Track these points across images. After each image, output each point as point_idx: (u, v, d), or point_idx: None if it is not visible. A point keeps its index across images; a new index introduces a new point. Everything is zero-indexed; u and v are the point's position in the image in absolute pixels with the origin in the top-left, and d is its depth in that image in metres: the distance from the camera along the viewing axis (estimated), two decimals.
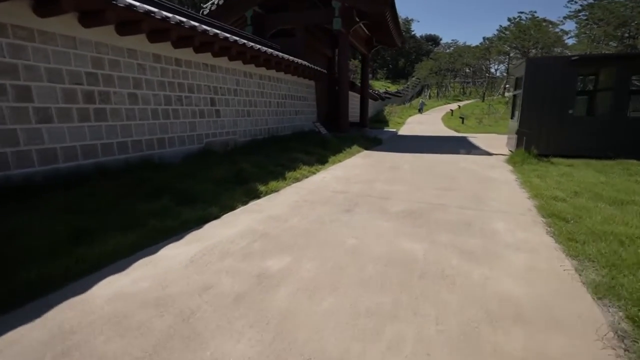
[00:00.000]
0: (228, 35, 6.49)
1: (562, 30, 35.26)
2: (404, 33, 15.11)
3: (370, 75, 65.67)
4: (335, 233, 3.35)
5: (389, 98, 38.28)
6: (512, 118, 9.94)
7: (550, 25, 35.54)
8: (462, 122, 22.70)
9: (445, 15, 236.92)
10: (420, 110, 34.12)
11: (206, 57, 6.66)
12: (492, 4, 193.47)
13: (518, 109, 8.66)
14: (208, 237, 3.23)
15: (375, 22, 12.98)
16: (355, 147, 9.46)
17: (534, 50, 36.33)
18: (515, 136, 8.60)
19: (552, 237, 3.18)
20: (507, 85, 44.37)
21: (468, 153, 9.38)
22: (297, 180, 5.59)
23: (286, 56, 8.83)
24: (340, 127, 12.41)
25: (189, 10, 7.08)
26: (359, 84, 17.25)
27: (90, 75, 4.54)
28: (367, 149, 9.90)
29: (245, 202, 4.26)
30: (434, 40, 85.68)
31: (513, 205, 4.26)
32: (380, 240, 3.15)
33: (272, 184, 5.01)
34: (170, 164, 5.63)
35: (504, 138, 13.60)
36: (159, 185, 4.21)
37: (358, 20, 11.92)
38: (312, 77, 11.65)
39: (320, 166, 6.83)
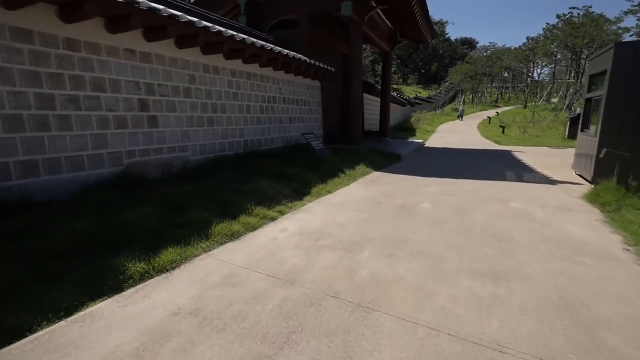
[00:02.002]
0: (160, 7, 4.36)
1: (621, 28, 30.79)
2: (437, 36, 12.57)
3: (400, 80, 62.95)
4: None
5: (419, 104, 35.37)
6: (582, 131, 7.15)
7: (607, 23, 31.21)
8: (503, 132, 19.55)
9: (482, 17, 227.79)
10: (460, 117, 32.15)
11: (132, 41, 4.58)
12: (534, 4, 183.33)
13: (598, 119, 5.92)
14: None
15: (398, 10, 10.57)
16: (361, 168, 7.07)
17: (586, 51, 32.07)
18: (592, 157, 5.87)
19: None
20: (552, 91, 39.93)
21: (519, 179, 6.71)
22: (232, 238, 3.30)
23: (269, 46, 6.63)
24: (351, 139, 10.05)
25: None
26: (380, 87, 14.79)
27: None
28: (378, 169, 7.45)
29: (53, 318, 2.01)
30: (469, 43, 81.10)
31: None
32: None
33: (167, 254, 2.74)
34: (49, 202, 3.56)
35: (562, 154, 10.66)
36: None
37: (375, 5, 9.56)
38: (315, 76, 9.39)
39: (292, 204, 4.51)
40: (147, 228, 3.08)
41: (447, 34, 75.93)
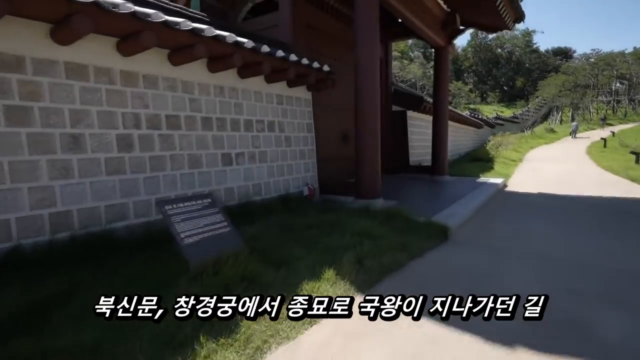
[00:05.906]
0: None
1: None
2: (524, 17, 7.83)
3: (478, 99, 55.34)
4: None
5: (501, 124, 28.85)
6: None
7: None
8: (637, 162, 12.96)
9: (579, 24, 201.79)
10: (572, 134, 28.92)
11: None
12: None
13: None
14: None
15: None
16: (322, 285, 2.71)
17: None
18: None
19: None
20: None
21: None
22: None
23: (118, 3, 2.84)
24: (360, 187, 5.65)
25: None
26: (431, 100, 10.09)
27: None
28: (372, 283, 2.94)
29: None
30: (564, 53, 69.60)
31: None
32: None
33: None
34: None
35: None
36: None
37: None
38: (290, 79, 5.36)
39: None
40: None
41: (535, 44, 66.35)
